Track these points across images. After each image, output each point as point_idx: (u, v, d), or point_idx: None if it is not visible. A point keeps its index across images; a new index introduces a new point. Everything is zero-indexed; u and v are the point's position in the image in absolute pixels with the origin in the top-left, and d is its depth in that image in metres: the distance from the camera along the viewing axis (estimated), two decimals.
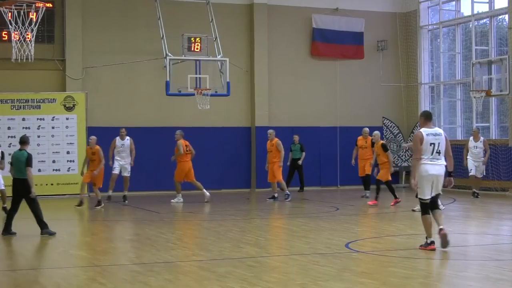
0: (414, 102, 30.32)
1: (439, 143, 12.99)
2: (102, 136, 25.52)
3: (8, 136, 25.36)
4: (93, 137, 22.19)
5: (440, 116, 29.48)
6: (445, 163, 13.14)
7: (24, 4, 17.28)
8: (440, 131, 13.31)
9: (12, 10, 17.38)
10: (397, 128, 29.88)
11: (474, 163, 24.28)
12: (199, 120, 27.22)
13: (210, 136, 27.82)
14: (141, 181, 25.50)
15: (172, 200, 22.99)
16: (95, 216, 20.52)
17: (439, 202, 13.74)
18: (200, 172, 26.46)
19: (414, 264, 12.04)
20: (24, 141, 16.26)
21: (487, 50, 27.24)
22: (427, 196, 13.06)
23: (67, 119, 25.93)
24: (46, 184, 24.81)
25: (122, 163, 23.18)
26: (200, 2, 26.28)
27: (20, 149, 16.13)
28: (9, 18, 17.52)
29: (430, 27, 30.30)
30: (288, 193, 23.68)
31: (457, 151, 27.34)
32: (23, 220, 16.86)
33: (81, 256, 13.79)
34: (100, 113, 26.60)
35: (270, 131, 24.32)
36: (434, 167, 12.98)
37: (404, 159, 29.67)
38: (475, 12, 27.96)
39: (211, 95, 23.51)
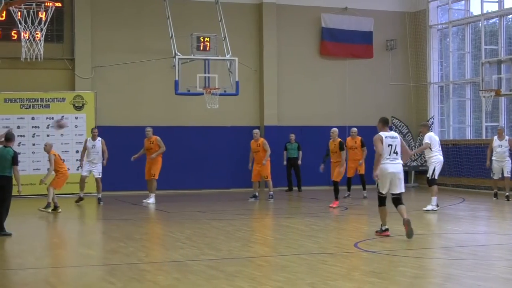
0: (423, 101, 30.28)
1: (396, 145, 14.73)
2: (111, 135, 25.62)
3: (18, 135, 25.35)
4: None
5: (450, 116, 29.44)
6: (401, 162, 14.86)
7: (34, 4, 17.30)
8: (396, 134, 15.12)
9: (22, 10, 17.41)
10: (406, 128, 29.83)
11: (499, 163, 22.88)
12: (208, 120, 27.25)
13: (219, 135, 27.84)
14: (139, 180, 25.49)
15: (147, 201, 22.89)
16: (104, 215, 20.54)
17: None
18: (209, 171, 26.56)
19: (423, 264, 12.02)
20: (9, 138, 15.84)
21: (496, 49, 27.18)
22: (385, 190, 14.76)
23: (76, 118, 25.99)
24: None
25: (91, 166, 22.82)
26: (209, 1, 26.31)
27: (5, 146, 15.67)
28: (19, 17, 17.54)
29: (439, 26, 30.25)
30: (272, 193, 23.71)
31: (466, 151, 27.38)
32: (32, 219, 16.90)
33: (90, 255, 13.80)
34: (109, 112, 26.65)
35: (255, 131, 24.24)
36: (393, 166, 14.66)
37: (412, 159, 29.60)
38: (485, 11, 27.90)
39: (220, 95, 23.53)
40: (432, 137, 20.23)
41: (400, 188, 14.76)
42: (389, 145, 14.74)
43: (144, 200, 22.65)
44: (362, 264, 12.12)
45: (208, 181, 27.24)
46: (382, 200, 14.94)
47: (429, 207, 19.77)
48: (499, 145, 22.86)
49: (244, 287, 10.19)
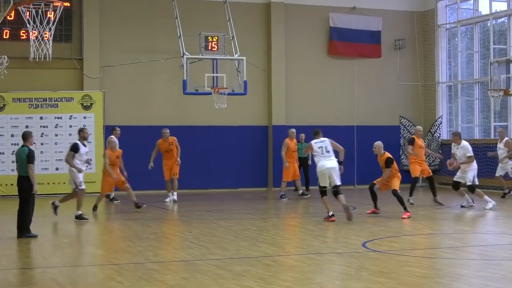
0: (431, 101, 30.24)
1: (326, 146, 17.79)
2: (120, 135, 25.65)
3: None
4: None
5: (458, 115, 29.38)
6: (335, 158, 17.81)
7: (42, 3, 17.31)
8: (325, 138, 18.02)
9: (30, 9, 17.41)
10: (414, 127, 29.76)
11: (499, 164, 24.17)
12: (216, 119, 27.26)
13: (227, 135, 27.85)
14: (158, 179, 25.50)
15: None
16: (112, 215, 20.57)
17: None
18: (217, 171, 26.57)
19: (431, 264, 12.01)
20: (24, 136, 15.79)
21: (505, 49, 27.11)
22: (325, 184, 17.61)
23: (84, 117, 26.01)
24: (64, 183, 24.72)
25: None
26: (217, 0, 26.31)
27: (22, 146, 15.73)
28: (27, 17, 17.55)
29: (448, 26, 30.20)
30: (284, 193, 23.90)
31: (474, 151, 27.27)
32: (40, 218, 16.93)
33: (98, 254, 13.83)
34: (118, 111, 26.68)
35: (292, 130, 24.43)
36: (328, 162, 17.62)
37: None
38: (493, 10, 27.84)
39: (228, 94, 23.52)
40: (470, 148, 20.65)
41: (338, 180, 17.59)
42: (319, 147, 17.80)
43: (167, 199, 22.93)
44: (370, 264, 12.10)
45: (216, 181, 27.25)
46: (323, 192, 17.73)
47: (489, 205, 20.06)
48: (498, 148, 24.09)
49: (252, 287, 10.19)
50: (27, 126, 25.42)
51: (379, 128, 29.20)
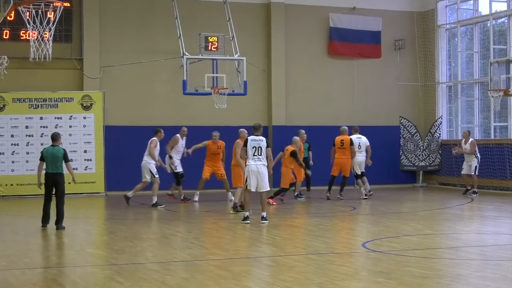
0: (431, 101, 30.24)
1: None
2: (119, 135, 25.68)
3: (26, 135, 25.50)
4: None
5: (458, 116, 29.39)
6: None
7: (42, 4, 17.30)
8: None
9: (30, 10, 17.40)
10: (414, 128, 29.77)
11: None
12: (216, 119, 27.25)
13: (227, 135, 27.76)
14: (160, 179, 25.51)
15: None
16: (112, 215, 20.57)
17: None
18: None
19: (431, 264, 12.00)
20: (54, 138, 17.10)
21: (505, 49, 27.10)
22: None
23: (84, 118, 26.02)
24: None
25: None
26: (217, 1, 26.31)
27: (53, 145, 16.94)
28: (27, 17, 17.54)
29: (447, 26, 30.20)
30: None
31: (482, 151, 27.29)
32: (39, 218, 16.94)
33: (98, 254, 13.83)
34: (118, 112, 26.69)
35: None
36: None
37: (421, 159, 29.57)
38: (493, 11, 27.83)
39: (228, 94, 23.52)
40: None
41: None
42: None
43: (195, 198, 23.02)
44: (369, 264, 12.11)
45: (215, 181, 27.20)
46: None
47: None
48: (464, 148, 25.25)
49: (252, 287, 10.19)
50: (27, 127, 25.45)
51: (379, 128, 29.20)
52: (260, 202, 17.56)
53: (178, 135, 22.97)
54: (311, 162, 26.04)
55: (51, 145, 17.00)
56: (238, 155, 19.05)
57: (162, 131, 22.59)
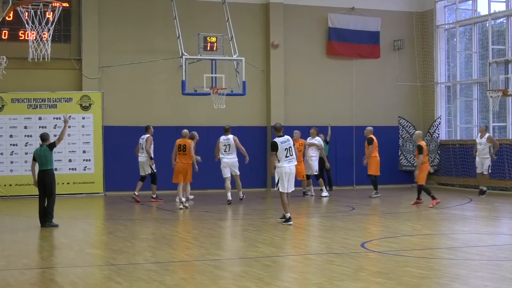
0: (430, 101, 30.24)
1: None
2: (118, 135, 25.67)
3: (25, 135, 25.50)
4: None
5: (457, 116, 29.40)
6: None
7: (41, 4, 17.30)
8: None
9: (29, 10, 17.40)
10: (413, 128, 29.76)
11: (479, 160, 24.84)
12: (215, 120, 27.23)
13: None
14: (158, 179, 25.53)
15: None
16: (110, 215, 20.57)
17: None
18: (216, 171, 26.44)
19: (430, 264, 12.01)
20: (43, 138, 17.55)
21: (504, 49, 27.11)
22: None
23: (83, 118, 26.02)
24: (62, 183, 24.79)
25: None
26: (216, 1, 26.31)
27: (41, 145, 17.35)
28: (26, 17, 17.54)
29: (446, 26, 30.20)
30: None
31: (473, 151, 27.31)
32: (37, 219, 16.94)
33: (97, 254, 13.83)
34: (116, 112, 26.68)
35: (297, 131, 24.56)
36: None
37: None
38: (492, 11, 27.84)
39: (227, 95, 23.53)
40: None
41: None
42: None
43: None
44: (368, 264, 12.12)
45: (214, 181, 27.18)
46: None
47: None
48: (479, 143, 24.80)
49: (251, 287, 10.19)
50: (25, 127, 25.45)
51: (377, 128, 29.16)
52: (281, 203, 17.21)
53: (150, 135, 23.28)
54: (328, 164, 25.86)
55: (40, 145, 17.54)
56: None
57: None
